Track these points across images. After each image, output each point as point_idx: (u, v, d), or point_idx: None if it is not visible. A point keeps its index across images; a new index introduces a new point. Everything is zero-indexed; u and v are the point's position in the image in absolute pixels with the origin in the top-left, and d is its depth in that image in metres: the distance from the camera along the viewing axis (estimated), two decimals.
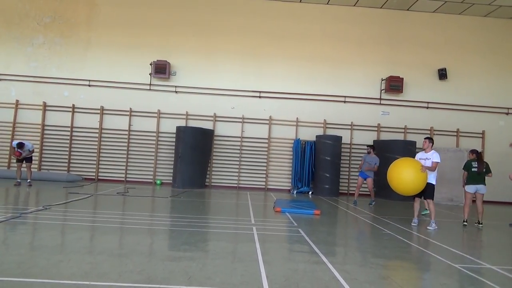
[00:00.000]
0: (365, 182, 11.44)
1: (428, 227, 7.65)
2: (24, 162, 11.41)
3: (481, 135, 14.85)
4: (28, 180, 11.38)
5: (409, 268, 4.97)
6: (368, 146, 11.76)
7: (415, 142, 13.92)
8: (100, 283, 3.46)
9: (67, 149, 14.09)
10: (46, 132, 14.10)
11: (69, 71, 14.34)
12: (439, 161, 7.64)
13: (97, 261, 4.12)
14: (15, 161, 11.96)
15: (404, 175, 7.50)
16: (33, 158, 12.09)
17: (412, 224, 7.92)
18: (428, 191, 7.73)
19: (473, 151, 8.91)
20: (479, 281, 4.19)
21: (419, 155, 8.02)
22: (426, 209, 10.17)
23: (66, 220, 6.63)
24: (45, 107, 14.13)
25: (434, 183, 7.74)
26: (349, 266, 4.49)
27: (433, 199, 7.83)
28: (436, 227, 7.63)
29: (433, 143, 8.02)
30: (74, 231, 5.68)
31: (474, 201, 9.01)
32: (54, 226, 5.93)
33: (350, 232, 7.32)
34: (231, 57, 14.62)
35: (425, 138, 8.10)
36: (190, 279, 3.69)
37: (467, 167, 8.58)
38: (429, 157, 7.76)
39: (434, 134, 14.64)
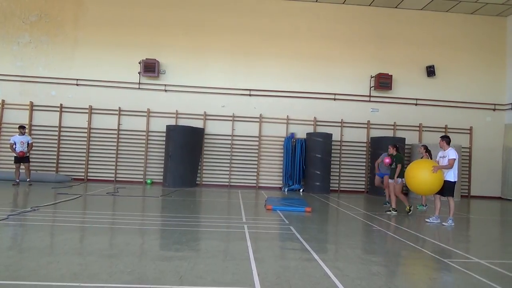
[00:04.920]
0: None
1: (443, 223, 7.74)
2: (21, 163, 11.77)
3: (468, 131, 15.04)
4: (28, 180, 11.70)
5: (399, 263, 5.02)
6: (392, 146, 10.41)
7: (404, 138, 14.07)
8: (90, 285, 3.42)
9: (55, 149, 13.91)
10: (33, 132, 13.89)
11: (56, 70, 14.15)
12: (454, 157, 7.71)
13: (87, 262, 4.08)
14: (13, 161, 12.04)
15: (419, 177, 7.81)
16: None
17: (428, 220, 8.00)
18: (446, 189, 7.83)
19: (394, 146, 9.37)
20: (467, 275, 4.25)
21: (439, 154, 8.19)
22: (422, 205, 10.34)
23: (55, 221, 6.55)
24: (32, 107, 13.92)
25: (452, 180, 7.79)
26: (340, 263, 4.52)
27: (453, 196, 7.88)
28: (453, 224, 7.69)
29: (448, 141, 8.10)
30: (63, 232, 5.61)
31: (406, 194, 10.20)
32: (43, 227, 5.85)
33: (341, 229, 7.36)
34: (221, 55, 14.57)
35: (440, 137, 8.30)
36: (182, 278, 3.68)
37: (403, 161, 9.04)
38: (446, 154, 7.90)
39: (423, 130, 14.81)
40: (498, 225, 8.77)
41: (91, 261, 4.12)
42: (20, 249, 4.68)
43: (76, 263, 4.01)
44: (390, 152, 9.40)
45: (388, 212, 8.83)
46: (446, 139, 8.09)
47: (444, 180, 7.76)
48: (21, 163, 11.80)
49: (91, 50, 14.26)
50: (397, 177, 8.93)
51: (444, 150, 8.01)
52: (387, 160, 9.18)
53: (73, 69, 14.19)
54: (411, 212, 8.91)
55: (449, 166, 7.70)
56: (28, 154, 11.89)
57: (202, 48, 14.53)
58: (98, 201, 9.27)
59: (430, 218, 8.02)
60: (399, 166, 8.94)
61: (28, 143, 11.86)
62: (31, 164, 12.21)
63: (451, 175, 7.77)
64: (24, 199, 9.34)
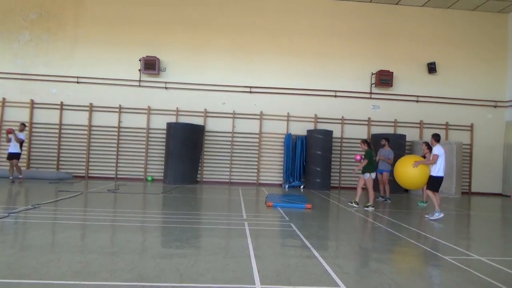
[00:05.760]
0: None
1: (425, 215, 8.12)
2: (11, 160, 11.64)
3: (469, 128, 15.02)
4: (20, 176, 11.60)
5: (399, 260, 5.03)
6: (384, 138, 11.41)
7: (405, 135, 14.06)
8: (91, 283, 3.43)
9: (56, 146, 13.93)
10: (34, 130, 13.91)
11: (56, 68, 14.14)
12: (436, 153, 8.14)
13: (87, 260, 4.09)
14: (6, 158, 12.00)
15: (402, 172, 8.55)
16: (22, 156, 12.18)
17: (427, 216, 8.10)
18: (428, 182, 8.29)
19: (364, 142, 9.51)
20: (468, 272, 4.25)
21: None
22: (422, 201, 10.36)
23: (55, 218, 6.57)
24: (32, 105, 13.93)
25: (434, 174, 8.14)
26: (341, 260, 4.52)
27: (433, 190, 8.20)
28: (439, 216, 7.87)
29: (437, 140, 8.42)
30: (64, 230, 5.62)
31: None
32: (44, 225, 5.86)
33: (341, 226, 7.37)
34: (221, 52, 14.54)
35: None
36: (182, 276, 3.68)
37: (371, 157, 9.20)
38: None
39: (423, 127, 14.78)
40: (499, 222, 8.77)
41: (92, 259, 4.13)
42: (21, 247, 4.69)
43: (77, 261, 4.02)
44: (362, 148, 9.56)
45: (366, 208, 8.94)
46: (435, 137, 8.51)
47: (429, 175, 8.23)
48: (11, 160, 11.58)
49: (92, 48, 14.24)
50: (363, 172, 9.13)
51: (433, 147, 8.40)
52: (358, 157, 9.31)
53: (74, 67, 14.18)
54: (369, 209, 8.89)
55: (432, 161, 8.13)
56: (16, 151, 11.61)
57: (202, 45, 14.50)
58: (99, 198, 9.28)
59: (430, 215, 8.06)
60: (364, 161, 9.07)
61: (22, 139, 11.83)
62: (31, 161, 12.20)
63: (435, 170, 8.13)
64: (25, 197, 9.36)
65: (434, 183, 8.20)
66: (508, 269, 4.43)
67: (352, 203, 9.29)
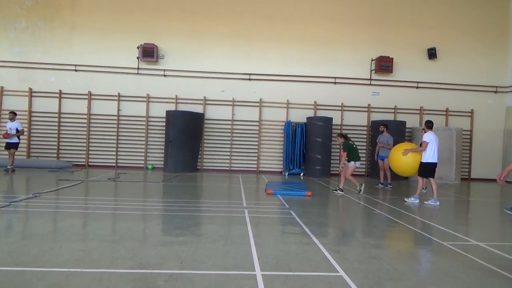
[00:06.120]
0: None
1: (405, 199, 8.43)
2: (9, 149, 11.50)
3: (469, 114, 14.98)
4: (9, 167, 11.38)
5: (398, 246, 5.07)
6: (382, 125, 11.45)
7: (405, 122, 14.03)
8: (93, 270, 3.46)
9: (56, 135, 13.92)
10: (33, 118, 13.89)
11: (54, 56, 14.04)
12: (424, 140, 8.27)
13: (89, 248, 4.12)
14: (4, 147, 11.91)
15: (396, 160, 8.86)
16: (21, 144, 12.10)
17: (426, 203, 8.27)
18: (419, 169, 8.48)
19: (340, 135, 9.58)
20: (466, 257, 4.28)
21: None
22: (422, 188, 10.39)
23: (57, 207, 6.60)
24: (31, 93, 13.87)
25: (424, 161, 8.29)
26: (340, 247, 4.56)
27: (423, 176, 8.42)
28: (414, 201, 8.19)
29: (429, 126, 8.53)
30: (65, 218, 5.66)
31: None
32: (45, 213, 5.89)
33: (341, 213, 7.41)
34: (220, 39, 14.41)
35: None
36: (183, 263, 3.72)
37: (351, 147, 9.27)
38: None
39: (424, 113, 14.74)
40: (498, 208, 8.80)
41: (93, 247, 4.16)
42: (23, 236, 4.73)
43: (78, 249, 4.05)
44: (338, 142, 9.67)
45: (335, 192, 9.08)
46: (427, 123, 8.62)
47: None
48: (9, 149, 11.49)
49: (89, 35, 14.12)
50: (349, 161, 9.20)
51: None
52: (342, 153, 9.49)
53: (71, 54, 14.08)
54: (361, 192, 9.10)
55: (422, 148, 8.26)
56: (14, 141, 11.56)
57: (201, 32, 14.37)
58: (99, 187, 9.31)
59: (408, 199, 8.35)
60: (344, 154, 9.18)
61: (17, 130, 11.57)
62: (31, 150, 12.13)
63: (425, 157, 8.27)
64: (26, 186, 9.39)
65: (424, 169, 8.34)
66: (506, 254, 4.46)
67: (336, 190, 9.26)
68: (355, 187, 9.48)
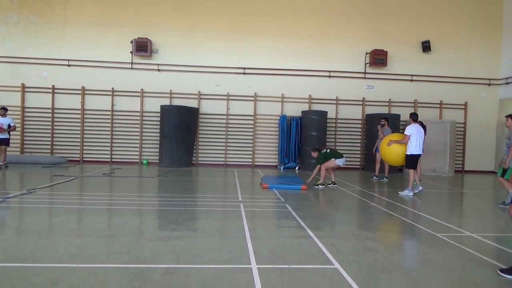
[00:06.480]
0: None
1: (399, 192, 8.56)
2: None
3: (463, 107, 15.07)
4: (3, 162, 11.27)
5: (393, 238, 5.12)
6: (382, 118, 11.54)
7: (399, 115, 14.08)
8: (88, 265, 3.46)
9: (50, 131, 13.82)
10: (26, 114, 13.77)
11: (47, 51, 13.89)
12: (406, 133, 8.46)
13: (84, 243, 4.12)
14: None
15: (384, 149, 9.01)
16: (15, 141, 12.00)
17: (400, 193, 8.48)
18: (406, 161, 8.67)
19: (314, 149, 9.54)
20: (460, 248, 4.33)
21: None
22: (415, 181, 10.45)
23: (51, 203, 6.58)
24: (23, 89, 13.74)
25: (408, 153, 8.46)
26: (335, 239, 4.59)
27: (410, 168, 8.53)
28: (409, 194, 8.30)
29: (414, 119, 8.70)
30: (60, 214, 5.64)
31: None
32: (40, 209, 5.87)
33: (336, 206, 7.44)
34: (214, 33, 14.33)
35: None
36: (179, 257, 3.73)
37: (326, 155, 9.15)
38: None
39: (418, 106, 14.81)
40: (491, 200, 8.89)
41: (89, 242, 4.16)
42: (18, 232, 4.71)
43: (74, 245, 4.05)
44: (314, 157, 9.52)
45: (316, 187, 8.93)
46: (412, 116, 8.79)
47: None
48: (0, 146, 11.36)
49: (82, 30, 13.97)
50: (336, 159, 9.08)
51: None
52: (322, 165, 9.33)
53: (64, 49, 13.94)
54: (318, 188, 8.90)
55: (404, 141, 8.43)
56: (5, 137, 11.39)
57: (195, 26, 14.28)
58: (94, 182, 9.27)
59: (402, 192, 8.49)
60: (317, 167, 9.09)
61: (9, 125, 11.40)
62: (25, 146, 12.02)
63: (409, 149, 8.42)
64: (20, 182, 9.34)
65: (409, 161, 8.51)
66: (499, 245, 4.52)
67: (317, 185, 9.05)
68: (350, 180, 9.51)
